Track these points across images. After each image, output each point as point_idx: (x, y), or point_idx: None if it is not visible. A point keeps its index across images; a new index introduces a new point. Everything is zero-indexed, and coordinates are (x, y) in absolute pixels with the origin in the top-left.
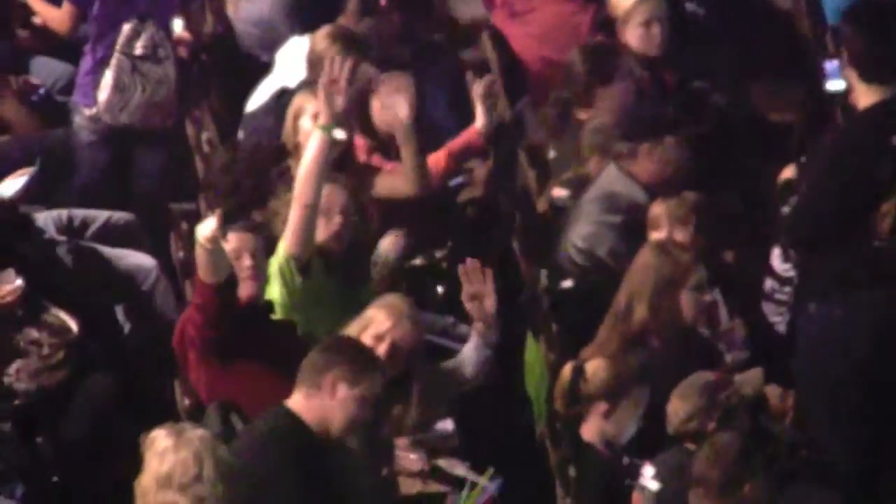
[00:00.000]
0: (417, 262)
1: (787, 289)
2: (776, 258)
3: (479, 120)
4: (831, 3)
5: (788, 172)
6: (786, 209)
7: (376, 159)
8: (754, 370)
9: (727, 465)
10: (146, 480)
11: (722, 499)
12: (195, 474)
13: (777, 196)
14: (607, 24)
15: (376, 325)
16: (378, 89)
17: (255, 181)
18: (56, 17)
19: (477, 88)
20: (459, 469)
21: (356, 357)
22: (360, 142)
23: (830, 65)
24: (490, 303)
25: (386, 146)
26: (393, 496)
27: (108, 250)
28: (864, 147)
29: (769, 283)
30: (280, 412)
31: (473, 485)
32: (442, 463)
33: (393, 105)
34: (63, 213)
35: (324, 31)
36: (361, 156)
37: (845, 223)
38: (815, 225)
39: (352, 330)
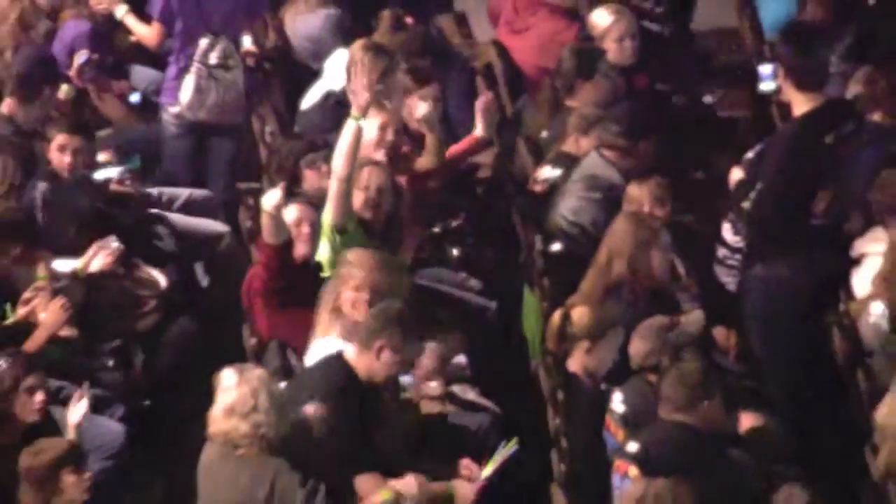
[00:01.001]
0: (437, 229)
1: (737, 256)
2: (727, 231)
3: (479, 129)
4: (768, 22)
5: (738, 174)
6: (745, 204)
7: (409, 150)
8: (696, 313)
9: (690, 386)
10: (216, 410)
11: (685, 413)
12: (252, 405)
13: (735, 192)
14: (588, 40)
15: (353, 278)
16: (412, 96)
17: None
18: (147, 34)
19: (478, 104)
20: (470, 394)
21: (402, 330)
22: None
23: (764, 68)
24: None
25: (419, 142)
26: (416, 416)
27: (190, 220)
28: (805, 147)
29: (721, 251)
30: (336, 361)
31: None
32: (455, 389)
33: (420, 105)
34: (154, 190)
35: (359, 44)
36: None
37: (793, 208)
38: (772, 210)
39: (334, 285)
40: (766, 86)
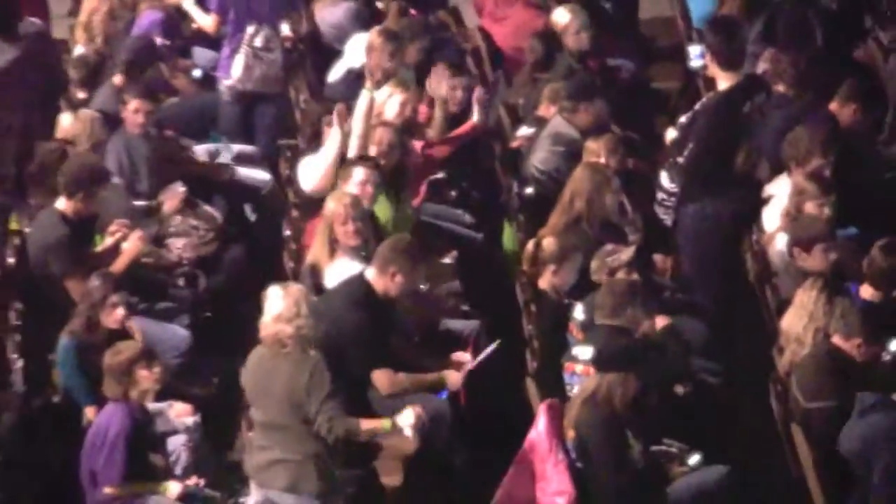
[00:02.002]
0: (439, 175)
1: (672, 198)
2: (664, 179)
3: (476, 117)
4: (696, 13)
5: (672, 133)
6: (680, 159)
7: (424, 113)
8: (629, 248)
9: (616, 294)
10: (265, 318)
11: (612, 318)
12: (295, 312)
13: (669, 149)
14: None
15: (341, 215)
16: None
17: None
18: (207, 23)
19: (475, 97)
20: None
21: (411, 259)
22: (423, 108)
23: (693, 49)
24: None
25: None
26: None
27: (240, 169)
28: (728, 114)
29: (659, 195)
30: (359, 280)
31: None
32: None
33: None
34: (211, 145)
35: (375, 30)
36: (421, 115)
37: (718, 160)
38: (702, 162)
39: (326, 222)
40: (694, 63)
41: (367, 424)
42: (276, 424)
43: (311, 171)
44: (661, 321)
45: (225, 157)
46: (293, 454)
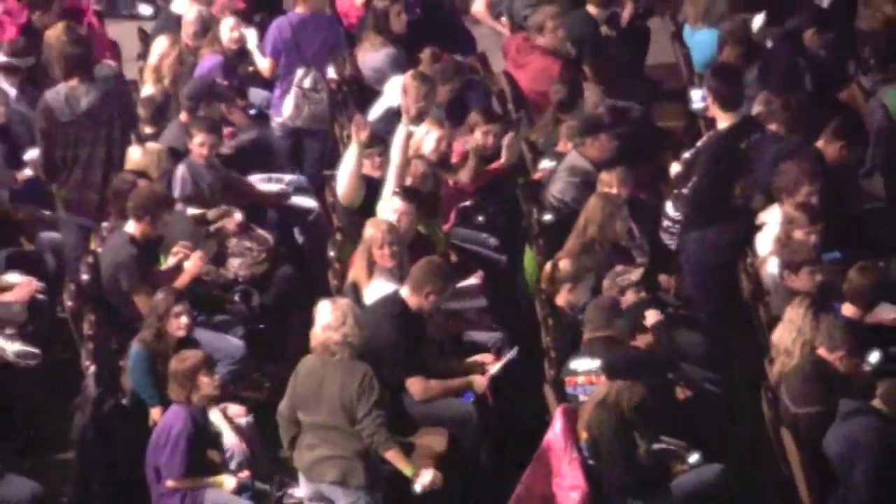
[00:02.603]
0: (468, 203)
1: (676, 225)
2: (669, 208)
3: (504, 159)
4: (698, 60)
5: (676, 167)
6: (684, 191)
7: (458, 153)
8: (637, 269)
9: (602, 310)
10: (316, 328)
11: (602, 331)
12: (342, 322)
13: (673, 181)
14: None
15: (378, 240)
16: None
17: None
18: (263, 66)
19: (504, 141)
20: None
21: (443, 280)
22: (458, 147)
23: (695, 93)
24: None
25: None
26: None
27: (292, 196)
28: (728, 151)
29: (665, 222)
30: (396, 298)
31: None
32: (471, 317)
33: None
34: (265, 175)
35: (409, 73)
36: (455, 156)
37: (718, 192)
38: (705, 194)
39: (365, 246)
40: (696, 105)
41: (394, 455)
42: (326, 425)
43: (340, 179)
44: (652, 316)
45: (286, 187)
46: (342, 451)
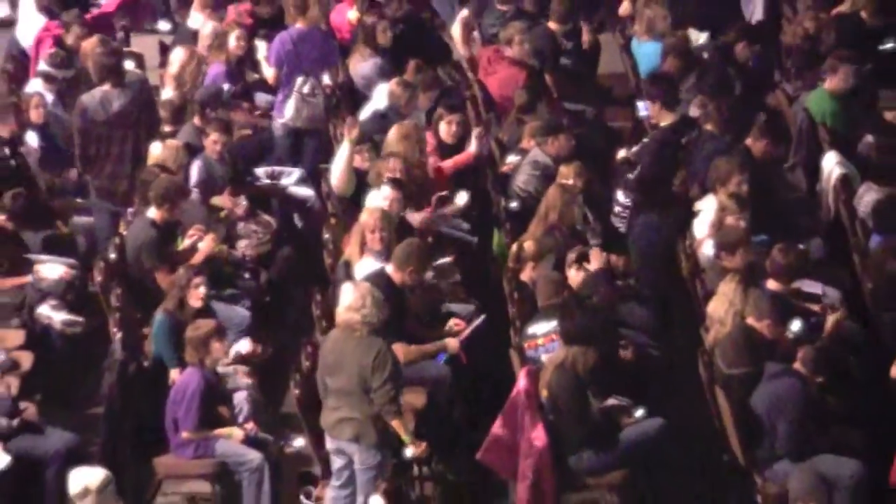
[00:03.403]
0: (444, 193)
1: (626, 211)
2: (620, 194)
3: (473, 148)
4: (644, 69)
5: (622, 153)
6: (630, 176)
7: (431, 147)
8: (593, 249)
9: (550, 283)
10: (340, 308)
11: (552, 300)
12: (363, 303)
13: (618, 167)
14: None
15: (370, 225)
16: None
17: None
18: (269, 74)
19: (474, 133)
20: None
21: (421, 259)
22: (430, 139)
23: (640, 103)
24: None
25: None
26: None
27: (292, 187)
28: (668, 144)
29: (616, 208)
30: (382, 274)
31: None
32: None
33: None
34: (269, 168)
35: (395, 81)
36: (429, 146)
37: (661, 182)
38: (649, 183)
39: (360, 228)
40: (642, 114)
41: (398, 425)
42: (345, 390)
43: (334, 171)
44: (595, 258)
45: (287, 178)
46: (358, 414)
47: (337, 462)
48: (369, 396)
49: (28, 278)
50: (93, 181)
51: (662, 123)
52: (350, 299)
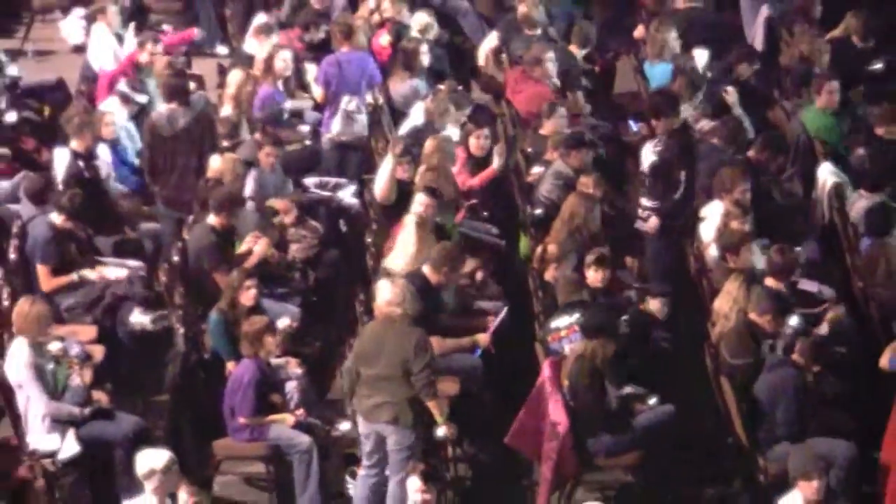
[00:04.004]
0: (474, 201)
1: (651, 214)
2: (644, 200)
3: (496, 163)
4: (656, 87)
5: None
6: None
7: (462, 160)
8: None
9: (568, 283)
10: (379, 301)
11: (572, 297)
12: (403, 298)
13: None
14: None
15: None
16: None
17: None
18: (317, 93)
19: (496, 149)
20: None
21: (454, 261)
22: (461, 153)
23: (631, 122)
24: None
25: (475, 160)
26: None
27: (338, 194)
28: (675, 142)
29: (641, 212)
30: (419, 274)
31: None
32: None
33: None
34: (318, 178)
35: (430, 99)
36: (460, 159)
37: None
38: (658, 171)
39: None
40: (634, 130)
41: (434, 405)
42: (383, 376)
43: (378, 182)
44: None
45: (343, 192)
46: (395, 398)
47: (367, 445)
48: (409, 381)
49: (73, 277)
50: (160, 191)
51: (660, 131)
52: (389, 294)
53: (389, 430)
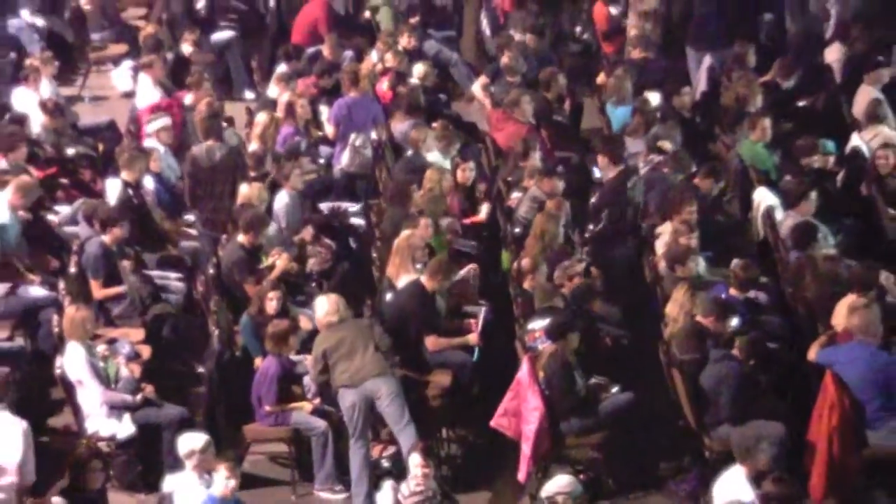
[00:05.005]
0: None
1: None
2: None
3: (483, 215)
4: (616, 125)
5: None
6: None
7: (451, 187)
8: (578, 264)
9: (546, 291)
10: (319, 315)
11: (546, 303)
12: (336, 308)
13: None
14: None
15: (412, 247)
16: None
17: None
18: (329, 131)
19: (482, 206)
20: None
21: (448, 271)
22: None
23: (594, 168)
24: None
25: (462, 187)
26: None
27: (349, 217)
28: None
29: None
30: (417, 282)
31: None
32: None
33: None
34: (331, 204)
35: (413, 130)
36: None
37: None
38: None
39: (403, 251)
40: (596, 175)
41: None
42: (358, 347)
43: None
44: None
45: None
46: (373, 355)
47: (354, 418)
48: (374, 339)
49: (122, 289)
50: (199, 214)
51: (610, 175)
52: (327, 306)
53: (381, 384)
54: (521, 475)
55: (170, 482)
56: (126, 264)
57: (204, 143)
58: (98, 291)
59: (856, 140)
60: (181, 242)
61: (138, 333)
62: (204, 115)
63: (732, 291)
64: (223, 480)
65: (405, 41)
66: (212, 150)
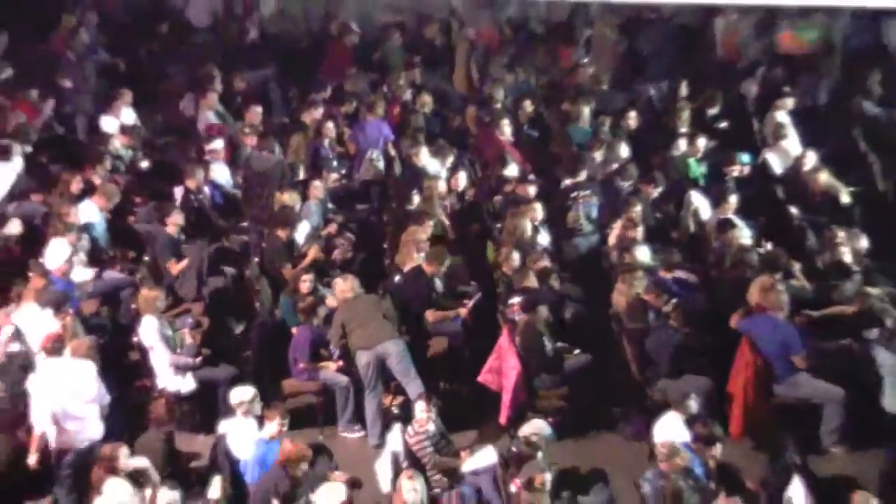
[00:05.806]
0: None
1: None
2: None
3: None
4: (580, 143)
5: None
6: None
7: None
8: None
9: (516, 272)
10: (341, 290)
11: (521, 282)
12: (351, 287)
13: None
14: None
15: (418, 240)
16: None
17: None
18: (351, 149)
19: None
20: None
21: (443, 257)
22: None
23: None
24: None
25: (455, 192)
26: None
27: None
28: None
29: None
30: (419, 267)
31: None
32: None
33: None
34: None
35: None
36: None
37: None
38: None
39: (408, 242)
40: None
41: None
42: (371, 317)
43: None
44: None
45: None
46: (384, 323)
47: (368, 374)
48: (384, 312)
49: (188, 261)
50: (249, 210)
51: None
52: (343, 286)
53: (390, 345)
54: (503, 419)
55: (223, 426)
56: (187, 247)
57: (257, 151)
58: (174, 268)
59: (766, 154)
60: (232, 235)
61: (198, 307)
62: (260, 132)
63: (663, 273)
64: (276, 426)
65: (412, 76)
66: (262, 157)
